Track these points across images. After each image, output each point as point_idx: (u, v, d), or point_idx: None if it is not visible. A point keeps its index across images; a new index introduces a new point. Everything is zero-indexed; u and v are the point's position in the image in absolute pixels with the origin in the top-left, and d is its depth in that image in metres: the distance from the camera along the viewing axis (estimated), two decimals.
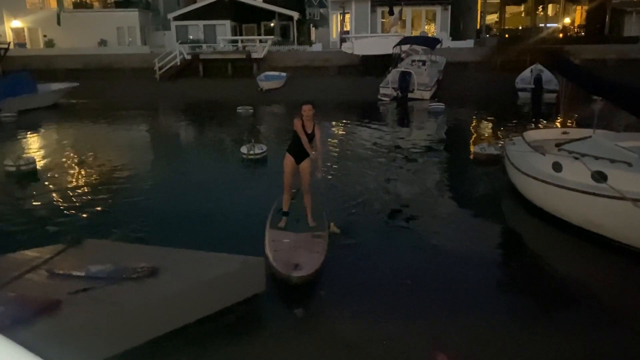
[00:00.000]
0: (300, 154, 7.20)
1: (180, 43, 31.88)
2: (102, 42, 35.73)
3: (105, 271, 5.18)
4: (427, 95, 23.81)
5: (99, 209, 9.37)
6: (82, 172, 12.30)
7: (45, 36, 36.59)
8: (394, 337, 5.04)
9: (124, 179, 11.69)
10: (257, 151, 12.80)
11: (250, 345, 4.96)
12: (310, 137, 7.13)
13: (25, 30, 37.29)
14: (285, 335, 5.04)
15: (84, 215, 8.96)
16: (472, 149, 13.30)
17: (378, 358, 4.70)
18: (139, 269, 5.18)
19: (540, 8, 37.84)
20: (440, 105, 21.19)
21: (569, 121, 16.09)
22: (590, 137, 8.90)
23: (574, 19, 38.43)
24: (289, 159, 7.29)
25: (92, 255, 5.85)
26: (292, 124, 7.10)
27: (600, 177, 7.22)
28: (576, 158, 7.85)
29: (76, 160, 13.74)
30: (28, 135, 18.11)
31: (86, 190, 10.67)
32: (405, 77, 24.02)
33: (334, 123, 19.29)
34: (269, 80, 27.44)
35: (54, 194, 10.30)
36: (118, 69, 30.71)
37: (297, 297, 5.73)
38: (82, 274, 5.15)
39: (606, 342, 5.03)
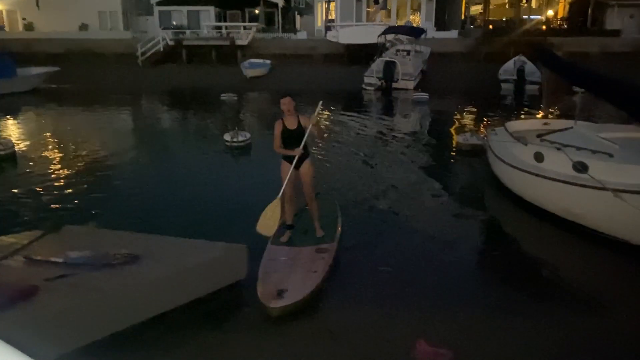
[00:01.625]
0: (298, 157, 6.35)
1: (164, 29, 31.45)
2: (83, 27, 35.07)
3: (84, 257, 5.11)
4: (411, 85, 23.82)
5: (78, 195, 9.24)
6: (62, 158, 12.11)
7: (24, 19, 35.80)
8: (376, 324, 5.05)
9: (105, 165, 11.54)
10: (240, 139, 12.70)
11: (231, 332, 4.94)
12: (298, 132, 6.31)
13: (4, 12, 36.42)
14: (268, 323, 5.02)
15: (63, 201, 8.82)
16: (455, 138, 13.35)
17: (361, 346, 4.70)
18: (119, 255, 5.12)
19: (524, 0, 38.03)
20: (424, 95, 21.21)
21: (550, 112, 16.21)
22: (571, 128, 8.97)
23: (557, 11, 38.71)
24: (285, 167, 6.41)
25: (71, 242, 5.76)
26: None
27: (581, 167, 7.28)
28: (558, 148, 7.90)
29: (56, 146, 13.52)
30: (6, 120, 17.76)
31: (66, 176, 10.51)
32: (389, 66, 23.98)
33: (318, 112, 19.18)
34: (253, 67, 27.23)
35: (33, 179, 10.13)
36: (100, 53, 30.19)
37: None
38: (61, 260, 5.07)
39: (586, 329, 5.10)
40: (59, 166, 11.33)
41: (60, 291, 4.41)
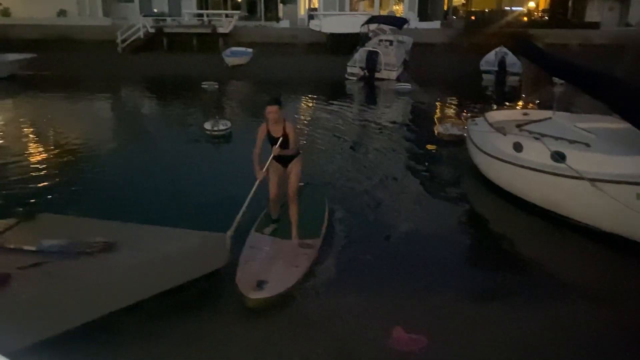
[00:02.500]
0: (285, 157, 6.18)
1: (144, 16, 30.95)
2: (61, 12, 34.39)
3: (59, 245, 5.02)
4: (393, 75, 23.80)
5: (55, 183, 9.11)
6: (39, 146, 11.91)
7: (0, 4, 35.01)
8: (354, 312, 5.07)
9: (83, 153, 11.37)
10: (221, 127, 12.60)
11: (209, 320, 4.91)
12: (282, 141, 6.00)
13: None
14: (246, 312, 5.00)
15: (39, 190, 8.69)
16: (436, 128, 13.39)
17: (337, 333, 4.71)
18: (95, 243, 5.04)
19: None
20: (406, 86, 21.22)
21: (530, 103, 16.35)
22: (550, 118, 9.05)
23: (538, 3, 38.91)
24: (273, 164, 6.24)
25: (45, 230, 5.67)
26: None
27: (559, 157, 7.36)
28: (536, 138, 7.97)
29: (33, 134, 13.29)
30: None
31: (43, 163, 10.34)
32: (372, 56, 23.94)
33: (300, 101, 19.14)
34: (235, 55, 26.96)
35: (8, 167, 9.95)
36: (78, 40, 29.61)
37: None
38: (34, 248, 4.98)
39: (563, 316, 5.17)
40: (35, 154, 11.14)
41: (33, 279, 4.34)
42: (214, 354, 4.42)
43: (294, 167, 6.26)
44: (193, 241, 5.47)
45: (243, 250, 5.89)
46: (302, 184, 6.76)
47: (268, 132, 6.09)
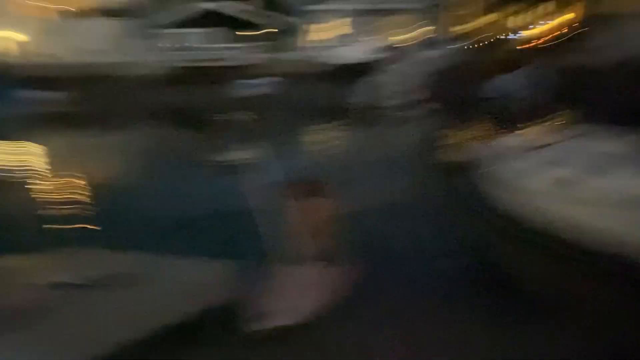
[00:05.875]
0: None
1: None
2: None
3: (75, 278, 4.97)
4: None
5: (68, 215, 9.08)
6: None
7: None
8: (365, 344, 4.94)
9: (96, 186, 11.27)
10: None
11: (210, 351, 4.73)
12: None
13: None
14: (253, 343, 4.82)
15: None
16: (445, 152, 13.27)
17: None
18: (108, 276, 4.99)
19: None
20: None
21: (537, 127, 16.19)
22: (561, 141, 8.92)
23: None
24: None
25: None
26: None
27: (568, 181, 7.27)
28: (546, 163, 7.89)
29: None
30: None
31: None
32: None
33: None
34: None
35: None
36: None
37: None
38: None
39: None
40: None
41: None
42: None
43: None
44: (205, 272, 5.44)
45: (262, 278, 5.76)
46: None
47: None
